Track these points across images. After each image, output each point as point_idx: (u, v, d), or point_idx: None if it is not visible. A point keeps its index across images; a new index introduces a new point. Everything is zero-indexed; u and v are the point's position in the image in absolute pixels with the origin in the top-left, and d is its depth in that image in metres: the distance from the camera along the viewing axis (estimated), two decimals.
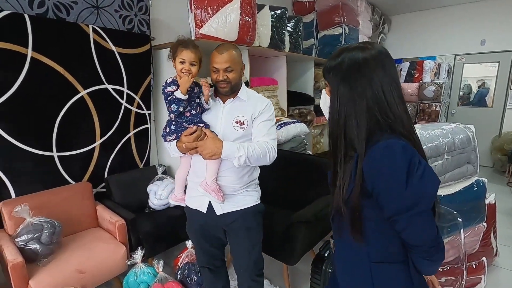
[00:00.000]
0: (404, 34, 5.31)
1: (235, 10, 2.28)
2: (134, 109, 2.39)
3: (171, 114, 1.30)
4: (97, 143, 2.19)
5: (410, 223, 0.72)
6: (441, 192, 1.73)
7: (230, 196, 1.37)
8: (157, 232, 2.05)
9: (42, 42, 1.81)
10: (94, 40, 2.05)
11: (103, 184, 2.27)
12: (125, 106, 2.32)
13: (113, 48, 2.17)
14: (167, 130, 1.34)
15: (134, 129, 2.42)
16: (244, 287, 1.49)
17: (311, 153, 3.47)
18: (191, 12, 2.24)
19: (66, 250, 1.75)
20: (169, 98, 1.28)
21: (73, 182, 2.09)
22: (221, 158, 1.25)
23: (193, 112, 1.32)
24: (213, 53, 1.32)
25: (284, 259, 1.78)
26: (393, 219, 0.73)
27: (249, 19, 2.40)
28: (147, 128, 2.53)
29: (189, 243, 1.98)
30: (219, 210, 1.36)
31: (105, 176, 2.27)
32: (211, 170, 1.31)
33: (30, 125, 1.84)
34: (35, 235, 1.63)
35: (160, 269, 1.84)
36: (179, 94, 1.26)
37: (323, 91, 0.91)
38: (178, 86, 1.27)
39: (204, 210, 1.38)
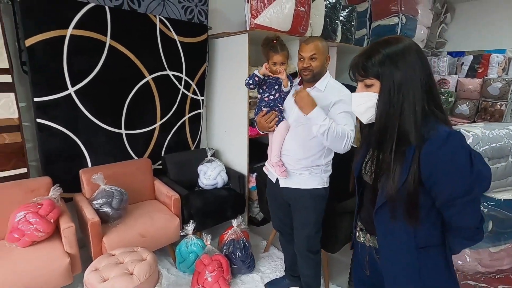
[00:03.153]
0: (469, 24, 4.82)
1: (290, 0, 2.30)
2: (190, 94, 2.57)
3: (250, 81, 1.55)
4: (157, 124, 2.42)
5: (465, 207, 0.76)
6: (502, 196, 1.63)
7: (293, 174, 1.52)
8: (206, 209, 2.23)
9: (118, 31, 2.03)
10: (160, 29, 2.23)
11: (160, 161, 2.51)
12: (182, 92, 2.51)
13: (175, 37, 2.34)
14: (254, 112, 1.62)
15: (189, 113, 2.61)
16: (298, 255, 1.67)
17: (355, 146, 3.41)
18: (247, 2, 2.31)
19: (130, 216, 2.00)
20: (250, 75, 1.56)
21: (136, 158, 2.35)
22: (282, 139, 1.47)
23: (271, 97, 1.54)
24: (301, 44, 1.46)
25: (326, 246, 1.83)
26: (448, 204, 0.77)
27: (304, 9, 2.41)
28: (200, 113, 2.71)
29: (234, 222, 2.12)
30: (282, 183, 1.55)
31: (162, 154, 2.51)
32: (275, 147, 1.52)
33: (105, 105, 2.10)
34: (108, 200, 1.88)
35: (208, 242, 2.01)
36: (257, 72, 1.53)
37: (354, 94, 0.88)
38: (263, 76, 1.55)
39: (274, 180, 1.61)
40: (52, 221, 1.67)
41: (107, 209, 1.86)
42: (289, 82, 1.54)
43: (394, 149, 0.78)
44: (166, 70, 2.35)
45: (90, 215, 1.76)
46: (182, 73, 2.46)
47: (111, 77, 2.07)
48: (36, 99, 1.80)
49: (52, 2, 1.75)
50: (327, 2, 2.76)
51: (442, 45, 4.90)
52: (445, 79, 4.38)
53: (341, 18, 2.99)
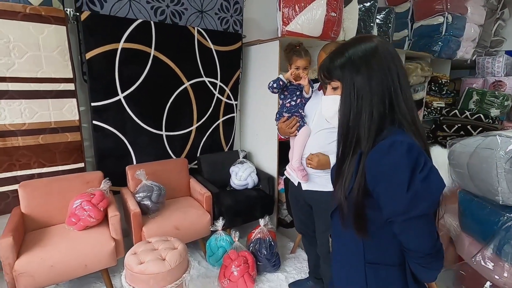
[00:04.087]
0: None
1: (321, 6, 2.34)
2: (224, 99, 2.73)
3: (274, 85, 1.62)
4: (193, 127, 2.62)
5: (407, 226, 0.69)
6: None
7: (314, 177, 1.56)
8: (236, 208, 2.34)
9: (161, 43, 2.27)
10: (197, 39, 2.43)
11: (196, 161, 2.70)
12: (217, 97, 2.68)
13: (211, 46, 2.52)
14: (276, 118, 1.70)
15: (223, 116, 2.77)
16: (321, 258, 1.68)
17: None
18: (279, 10, 2.40)
19: (167, 210, 2.20)
20: (274, 79, 1.63)
21: (174, 157, 2.56)
22: (304, 144, 1.54)
23: (293, 103, 1.61)
24: (320, 53, 1.53)
25: None
26: (390, 220, 0.70)
27: (335, 15, 2.43)
28: (234, 116, 2.86)
29: (262, 222, 2.20)
30: (304, 186, 1.59)
31: (198, 155, 2.70)
32: (296, 152, 1.57)
33: (149, 108, 2.34)
34: (148, 194, 2.10)
35: (236, 239, 2.12)
36: (282, 76, 1.60)
37: (323, 97, 0.87)
38: (286, 82, 1.62)
39: (296, 183, 1.64)
40: (102, 209, 1.92)
41: (147, 202, 2.08)
42: (310, 88, 1.59)
43: (351, 155, 0.75)
44: (202, 77, 2.54)
45: (133, 207, 1.98)
46: (217, 80, 2.64)
47: (154, 84, 2.31)
48: (93, 104, 2.10)
49: (108, 20, 2.03)
50: (361, 5, 2.74)
51: (498, 44, 4.46)
52: (500, 81, 3.98)
53: (377, 20, 2.93)
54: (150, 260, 1.52)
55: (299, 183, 1.62)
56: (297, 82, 1.58)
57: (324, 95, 0.90)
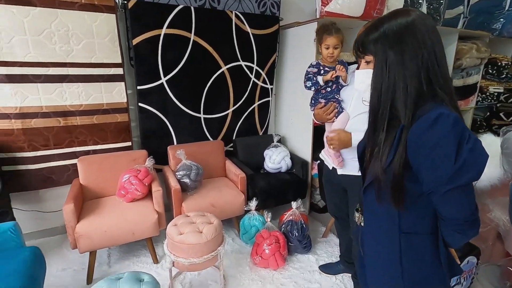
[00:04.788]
0: None
1: None
2: (260, 83, 2.75)
3: (312, 88, 1.60)
4: (230, 110, 2.69)
5: (450, 196, 0.71)
6: None
7: (349, 162, 1.54)
8: (269, 190, 2.41)
9: (200, 28, 2.33)
10: (235, 23, 2.46)
11: (231, 144, 2.79)
12: (253, 81, 2.71)
13: (248, 29, 2.53)
14: (310, 103, 1.68)
15: (258, 100, 2.81)
16: (354, 241, 1.64)
17: None
18: None
19: (204, 188, 2.33)
20: (307, 76, 1.60)
21: (211, 139, 2.68)
22: (343, 127, 1.49)
23: (329, 89, 1.58)
24: (360, 29, 1.46)
25: None
26: (432, 191, 0.72)
27: None
28: (269, 100, 2.88)
29: (294, 204, 2.24)
30: (339, 170, 1.58)
31: (234, 137, 2.78)
32: None
33: (188, 92, 2.46)
34: (187, 173, 2.24)
35: (269, 219, 2.19)
36: (320, 79, 1.56)
37: (357, 71, 0.88)
38: (318, 69, 1.58)
39: (330, 167, 1.64)
40: (146, 184, 2.10)
41: (186, 180, 2.22)
42: (348, 75, 1.53)
43: (386, 129, 0.77)
44: (239, 61, 2.58)
45: (173, 183, 2.13)
46: (253, 63, 2.66)
47: (193, 68, 2.40)
48: (138, 87, 2.26)
49: (152, 7, 2.14)
50: None
51: None
52: None
53: None
54: (188, 232, 1.65)
55: (333, 167, 1.62)
56: (334, 75, 1.52)
57: (358, 69, 0.90)
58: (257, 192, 2.36)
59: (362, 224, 0.94)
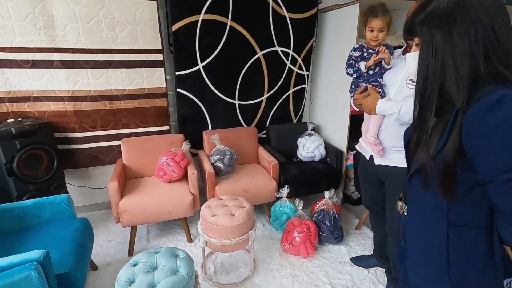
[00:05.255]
0: None
1: None
2: (295, 69, 2.69)
3: (354, 74, 1.52)
4: (264, 97, 2.68)
5: (509, 185, 0.63)
6: None
7: (390, 152, 1.47)
8: (301, 178, 2.38)
9: (237, 13, 2.32)
10: (272, 7, 2.41)
11: (265, 131, 2.79)
12: (288, 67, 2.65)
13: (286, 13, 2.47)
14: (350, 89, 1.60)
15: (293, 87, 2.75)
16: (390, 236, 1.59)
17: None
18: None
19: (237, 173, 2.37)
20: (349, 62, 1.52)
21: (245, 126, 2.70)
22: (383, 116, 1.41)
23: (370, 72, 1.49)
24: (410, 9, 1.37)
25: None
26: (489, 180, 0.66)
27: None
28: (304, 88, 2.81)
29: (326, 194, 2.19)
30: (377, 160, 1.51)
31: (267, 124, 2.78)
32: (372, 125, 1.48)
33: (224, 78, 2.48)
34: (221, 157, 2.29)
35: (300, 207, 2.17)
36: (362, 65, 1.48)
37: (407, 54, 0.84)
38: (362, 52, 1.49)
39: (367, 157, 1.57)
40: (183, 167, 2.19)
41: (220, 165, 2.27)
42: (392, 57, 1.43)
43: (435, 113, 0.72)
44: (275, 46, 2.54)
45: (208, 167, 2.20)
46: (289, 49, 2.59)
47: (229, 54, 2.41)
48: (177, 73, 2.33)
49: None
50: None
51: None
52: None
53: None
54: (221, 214, 1.70)
55: (371, 157, 1.54)
56: (377, 58, 1.43)
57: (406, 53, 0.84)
58: (289, 180, 2.34)
59: (405, 213, 0.90)
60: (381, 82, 1.47)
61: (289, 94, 2.76)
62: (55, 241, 1.50)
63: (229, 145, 2.41)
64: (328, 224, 2.08)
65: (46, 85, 2.05)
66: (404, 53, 1.45)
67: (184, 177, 2.24)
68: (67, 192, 2.16)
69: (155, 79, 2.29)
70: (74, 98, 2.12)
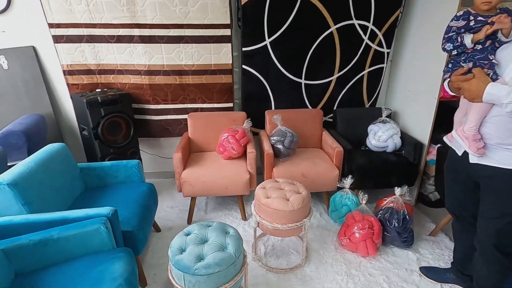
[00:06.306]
0: None
1: None
2: (374, 46, 2.36)
3: (454, 51, 1.20)
4: (334, 77, 2.44)
5: None
6: None
7: (492, 149, 1.16)
8: (369, 169, 2.13)
9: None
10: None
11: (331, 114, 2.57)
12: (366, 43, 2.34)
13: None
14: (445, 68, 1.27)
15: (369, 67, 2.44)
16: (479, 251, 1.30)
17: None
18: None
19: (297, 157, 2.25)
20: (449, 35, 1.20)
21: (310, 107, 2.53)
22: (490, 104, 1.10)
23: (479, 47, 1.15)
24: None
25: None
26: None
27: None
28: (382, 67, 2.46)
29: (397, 191, 1.91)
30: (473, 158, 1.22)
31: (335, 107, 2.55)
32: (473, 115, 1.16)
33: (291, 55, 2.33)
34: (281, 139, 2.20)
35: (364, 201, 1.96)
36: (467, 39, 1.14)
37: None
38: (467, 21, 1.15)
39: (459, 153, 1.29)
40: (242, 145, 2.18)
41: (279, 146, 2.18)
42: None
43: None
44: (352, 19, 2.25)
45: (267, 147, 2.14)
46: (369, 22, 2.27)
47: (299, 29, 2.23)
48: (244, 49, 2.27)
49: None
50: None
51: None
52: None
53: None
54: (275, 197, 1.62)
55: (464, 153, 1.24)
56: (492, 29, 1.08)
57: None
58: (354, 170, 2.12)
59: None
60: (493, 61, 1.11)
61: (363, 75, 2.46)
62: (125, 201, 1.66)
63: (291, 126, 2.29)
64: (396, 225, 1.82)
65: (127, 59, 2.23)
66: None
67: (243, 155, 2.23)
68: (140, 158, 2.39)
69: (221, 55, 2.28)
70: (150, 72, 2.26)
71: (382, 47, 2.37)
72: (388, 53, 2.41)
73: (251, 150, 2.10)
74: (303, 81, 2.42)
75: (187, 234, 1.37)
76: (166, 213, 2.26)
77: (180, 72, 2.29)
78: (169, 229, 2.08)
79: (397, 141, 2.24)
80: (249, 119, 2.30)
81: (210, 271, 1.18)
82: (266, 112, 2.43)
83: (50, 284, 1.13)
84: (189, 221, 2.15)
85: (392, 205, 1.91)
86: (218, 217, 2.21)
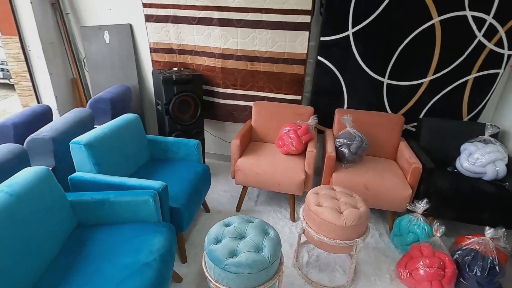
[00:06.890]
0: None
1: None
2: (490, 45, 1.87)
3: None
4: (426, 79, 2.04)
5: None
6: None
7: None
8: (453, 196, 1.74)
9: None
10: None
11: (415, 123, 2.18)
12: (479, 40, 1.87)
13: None
14: None
15: (478, 71, 1.96)
16: None
17: None
18: None
19: (363, 165, 1.99)
20: None
21: (389, 111, 2.19)
22: None
23: None
24: None
25: None
26: None
27: None
28: (497, 74, 1.95)
29: (489, 232, 1.51)
30: None
31: (421, 115, 2.15)
32: None
33: (376, 49, 2.03)
34: (347, 142, 1.96)
35: (438, 234, 1.61)
36: None
37: None
38: None
39: None
40: (303, 142, 2.03)
41: (344, 150, 1.96)
42: None
43: None
44: (464, 10, 1.81)
45: (330, 149, 1.94)
46: (488, 14, 1.79)
47: (390, 20, 1.91)
48: (322, 39, 2.08)
49: None
50: None
51: None
52: None
53: None
54: (327, 206, 1.45)
55: None
56: None
57: None
58: (432, 193, 1.77)
59: None
60: None
61: (467, 80, 1.99)
62: (179, 177, 1.72)
63: (363, 130, 2.02)
64: (479, 274, 1.45)
65: (204, 41, 2.28)
66: None
67: (303, 153, 2.08)
68: (203, 139, 2.47)
69: (297, 43, 2.13)
70: (223, 56, 2.28)
71: (503, 47, 1.86)
72: (509, 56, 1.88)
73: (311, 149, 1.93)
74: (385, 80, 2.10)
75: (227, 225, 1.34)
76: (218, 196, 2.30)
77: (252, 58, 2.24)
78: (218, 212, 2.10)
79: (500, 168, 1.77)
80: (316, 115, 2.12)
81: (240, 271, 1.12)
82: (336, 110, 2.21)
83: (100, 242, 1.23)
84: (238, 209, 2.14)
85: (478, 247, 1.53)
86: (267, 212, 2.14)
